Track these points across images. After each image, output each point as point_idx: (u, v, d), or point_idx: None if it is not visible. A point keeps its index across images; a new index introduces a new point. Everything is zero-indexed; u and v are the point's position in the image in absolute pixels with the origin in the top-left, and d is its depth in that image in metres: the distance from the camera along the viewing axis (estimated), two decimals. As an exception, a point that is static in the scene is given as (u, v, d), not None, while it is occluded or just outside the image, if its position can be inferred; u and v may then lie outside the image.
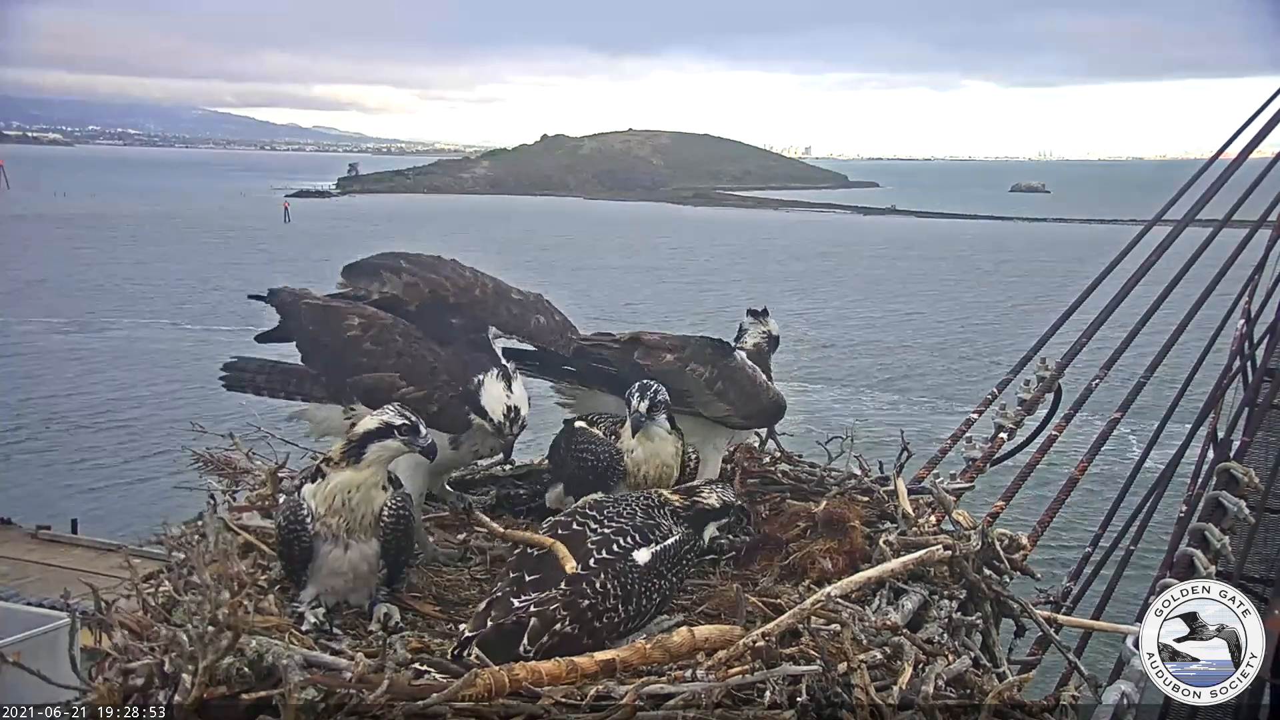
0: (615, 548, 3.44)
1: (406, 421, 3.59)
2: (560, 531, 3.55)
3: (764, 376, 4.64)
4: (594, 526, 3.52)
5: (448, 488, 4.59)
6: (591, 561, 3.39)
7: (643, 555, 3.46)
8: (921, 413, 31.92)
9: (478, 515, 4.01)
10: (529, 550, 3.58)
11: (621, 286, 59.65)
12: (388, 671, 2.84)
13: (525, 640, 3.19)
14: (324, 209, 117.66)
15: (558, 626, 3.24)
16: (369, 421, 3.59)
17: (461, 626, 3.38)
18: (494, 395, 4.05)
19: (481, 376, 4.07)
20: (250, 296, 4.42)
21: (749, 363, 4.61)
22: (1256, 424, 7.54)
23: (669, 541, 3.55)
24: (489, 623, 3.25)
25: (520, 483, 5.00)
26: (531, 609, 3.26)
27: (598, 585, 3.34)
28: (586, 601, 3.31)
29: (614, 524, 3.53)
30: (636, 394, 4.11)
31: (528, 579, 3.37)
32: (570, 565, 3.38)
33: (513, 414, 4.07)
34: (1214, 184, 8.53)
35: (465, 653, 3.18)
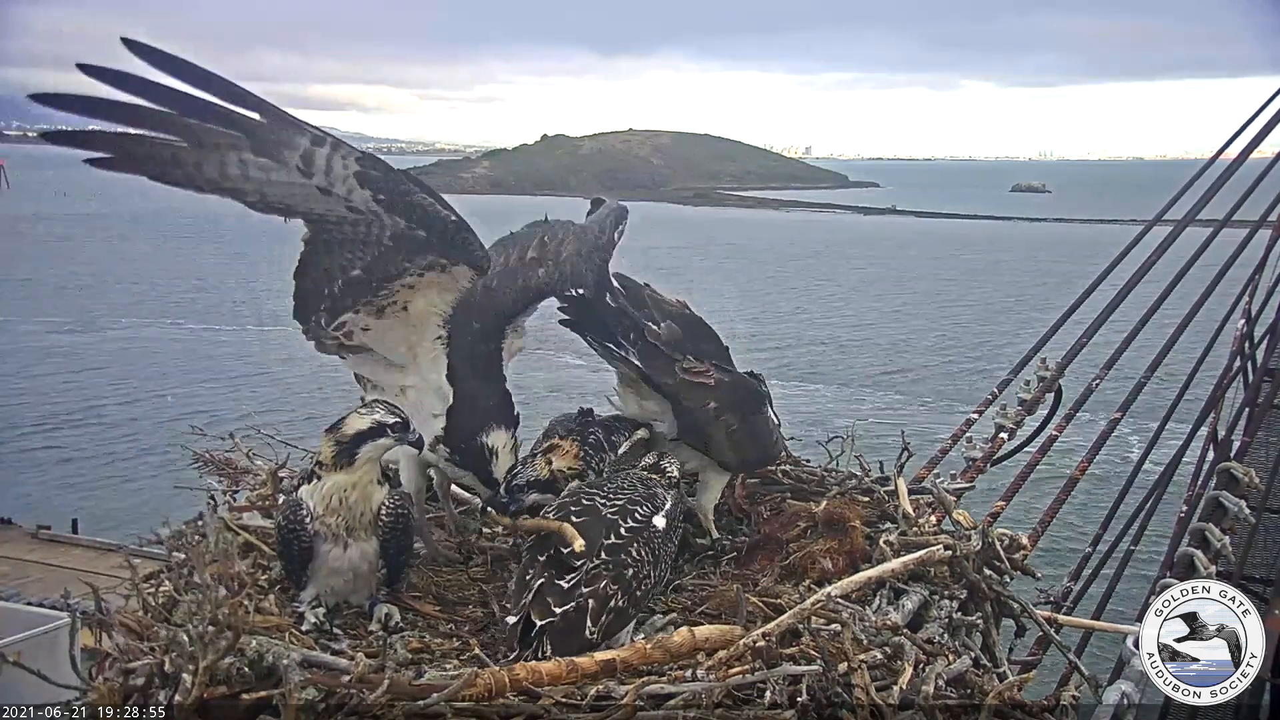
0: (637, 516, 3.56)
1: (398, 419, 3.61)
2: (572, 509, 3.59)
3: (776, 427, 4.59)
4: (603, 501, 3.61)
5: (457, 489, 4.55)
6: (623, 530, 3.49)
7: (660, 521, 3.63)
8: (921, 413, 31.91)
9: (492, 515, 3.99)
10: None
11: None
12: (388, 671, 2.84)
13: (589, 623, 3.26)
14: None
15: (612, 603, 3.32)
16: (359, 422, 3.58)
17: (510, 619, 3.34)
18: (504, 467, 4.08)
19: (494, 444, 4.07)
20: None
21: (772, 413, 4.56)
22: (1256, 424, 7.55)
23: (670, 505, 3.73)
24: (557, 611, 3.25)
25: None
26: (583, 590, 3.31)
27: (634, 553, 3.46)
28: (630, 570, 3.42)
29: (623, 496, 3.65)
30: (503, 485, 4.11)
31: (563, 553, 3.39)
32: (579, 545, 3.40)
33: (508, 481, 4.09)
34: (1214, 184, 8.53)
35: (539, 649, 3.18)
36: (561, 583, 3.32)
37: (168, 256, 69.51)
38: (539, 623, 3.24)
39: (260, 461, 4.60)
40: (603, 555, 3.40)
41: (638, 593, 3.42)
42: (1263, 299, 8.48)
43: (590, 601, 3.28)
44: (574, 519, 3.51)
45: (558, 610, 3.25)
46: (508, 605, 3.46)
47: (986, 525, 4.10)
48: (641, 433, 4.34)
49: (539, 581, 3.34)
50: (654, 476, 3.90)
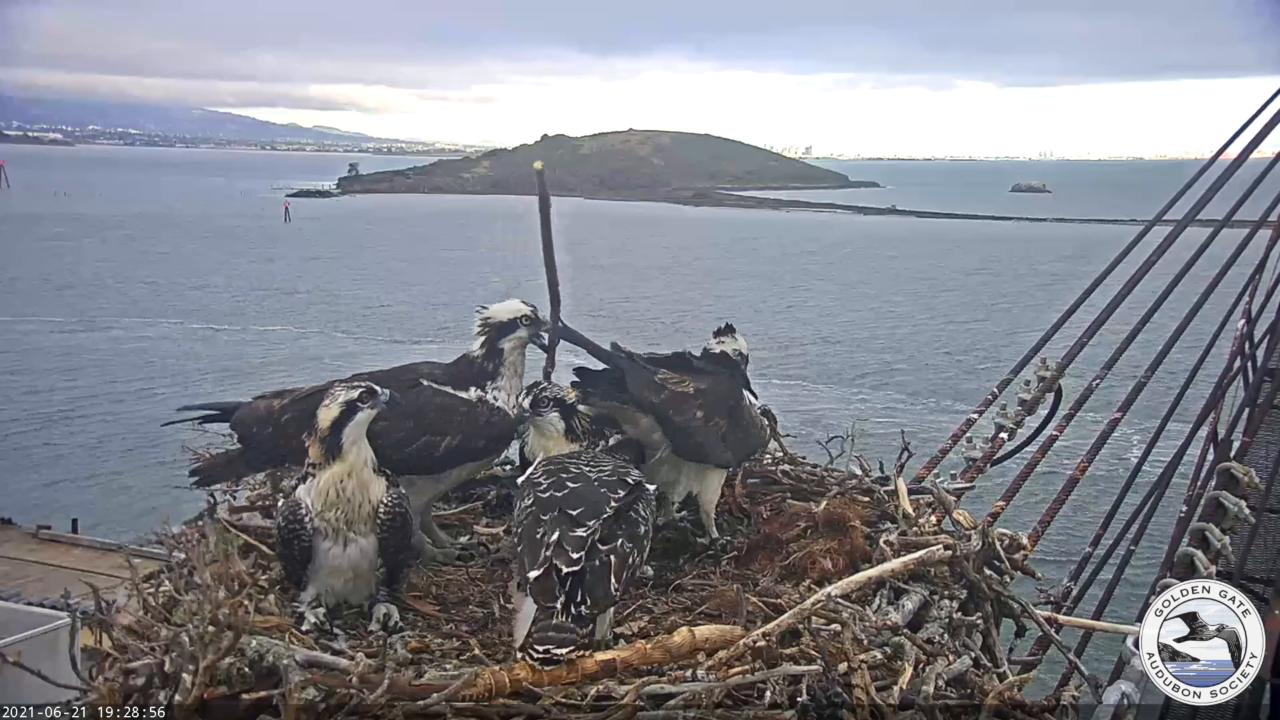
0: (630, 478, 3.54)
1: (362, 389, 3.63)
2: (564, 477, 3.49)
3: (756, 411, 4.66)
4: (589, 470, 3.55)
5: (439, 533, 4.54)
6: (622, 492, 3.45)
7: (651, 486, 3.66)
8: (921, 413, 31.91)
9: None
10: (549, 487, 3.48)
11: (615, 285, 59.65)
12: (388, 671, 2.84)
13: (613, 579, 3.25)
14: (325, 209, 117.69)
15: (630, 560, 3.33)
16: (331, 412, 3.59)
17: (532, 574, 3.21)
18: (506, 307, 4.32)
19: (482, 313, 4.32)
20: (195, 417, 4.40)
21: (750, 400, 4.61)
22: (1257, 424, 7.55)
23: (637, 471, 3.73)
24: (583, 564, 3.20)
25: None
26: (601, 549, 3.27)
27: (640, 511, 3.48)
28: (642, 528, 3.45)
29: (605, 465, 3.62)
30: (526, 394, 4.13)
31: (572, 514, 3.32)
32: None
33: (533, 306, 4.33)
34: (1214, 184, 8.52)
35: (574, 594, 3.13)
36: (579, 532, 3.27)
37: (168, 256, 69.53)
38: (565, 569, 3.18)
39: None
40: (613, 509, 3.36)
41: (645, 552, 3.45)
42: (1263, 299, 8.47)
43: (612, 558, 3.27)
44: (570, 484, 3.45)
45: (577, 557, 3.20)
46: (521, 565, 3.34)
47: (986, 525, 4.10)
48: None
49: (555, 535, 3.28)
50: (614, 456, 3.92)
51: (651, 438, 4.31)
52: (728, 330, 4.74)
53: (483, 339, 4.32)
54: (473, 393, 4.25)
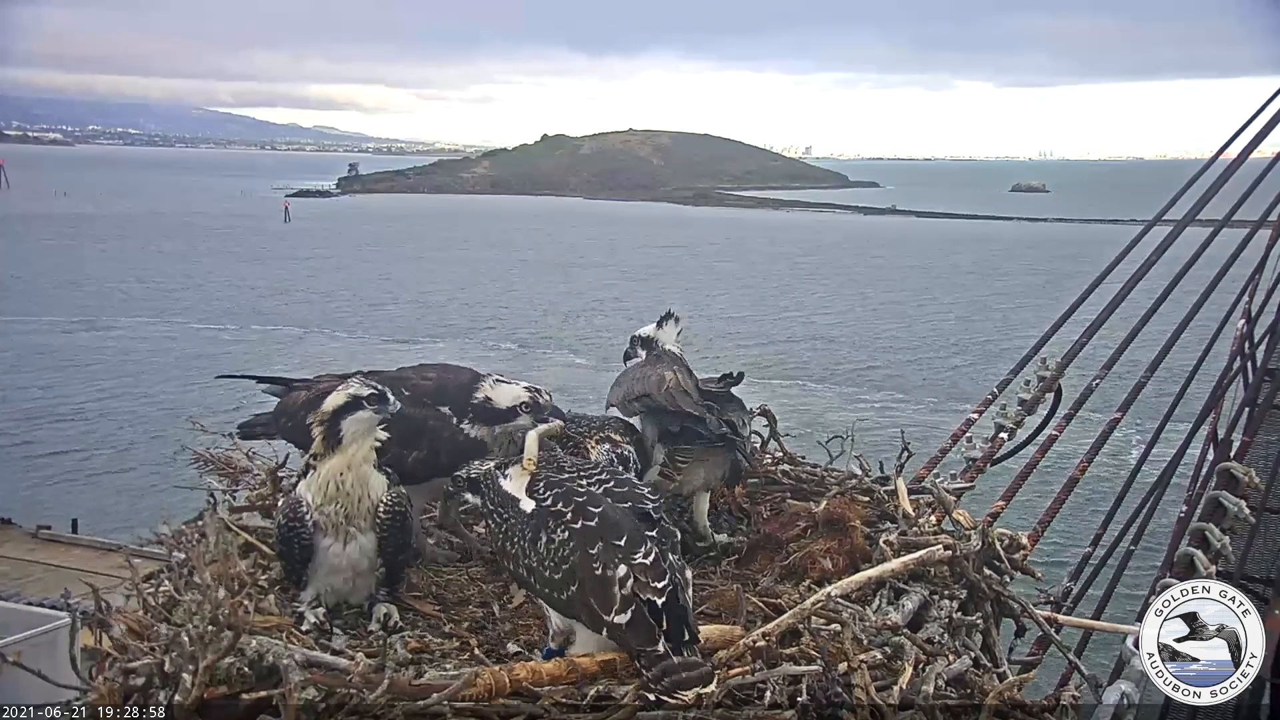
0: (646, 497, 3.44)
1: (374, 390, 3.61)
2: (585, 503, 3.32)
3: None
4: (595, 487, 3.41)
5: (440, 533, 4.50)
6: (650, 511, 3.34)
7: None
8: (921, 413, 31.90)
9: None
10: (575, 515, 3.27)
11: (615, 285, 59.65)
12: (388, 671, 2.84)
13: (689, 601, 3.16)
14: (325, 209, 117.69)
15: (686, 574, 3.24)
16: (336, 399, 3.59)
17: (619, 619, 3.01)
18: (507, 392, 4.12)
19: (478, 394, 4.11)
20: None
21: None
22: (1256, 424, 7.54)
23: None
24: (679, 594, 3.07)
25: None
26: (675, 576, 3.13)
27: (668, 521, 3.39)
28: (679, 536, 3.36)
29: (605, 474, 3.53)
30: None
31: (619, 544, 3.15)
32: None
33: (535, 390, 4.12)
34: (1214, 184, 8.52)
35: (680, 639, 2.99)
36: (643, 559, 3.10)
37: (168, 256, 69.54)
38: (659, 600, 3.03)
39: (260, 461, 4.60)
40: (652, 530, 3.24)
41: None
42: (1263, 299, 8.47)
43: (680, 577, 3.16)
44: (592, 509, 3.24)
45: (663, 586, 3.08)
46: (589, 608, 3.10)
47: (986, 525, 4.10)
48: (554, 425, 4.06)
49: (621, 570, 3.08)
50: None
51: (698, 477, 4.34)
52: (668, 317, 4.80)
53: (481, 424, 4.14)
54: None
